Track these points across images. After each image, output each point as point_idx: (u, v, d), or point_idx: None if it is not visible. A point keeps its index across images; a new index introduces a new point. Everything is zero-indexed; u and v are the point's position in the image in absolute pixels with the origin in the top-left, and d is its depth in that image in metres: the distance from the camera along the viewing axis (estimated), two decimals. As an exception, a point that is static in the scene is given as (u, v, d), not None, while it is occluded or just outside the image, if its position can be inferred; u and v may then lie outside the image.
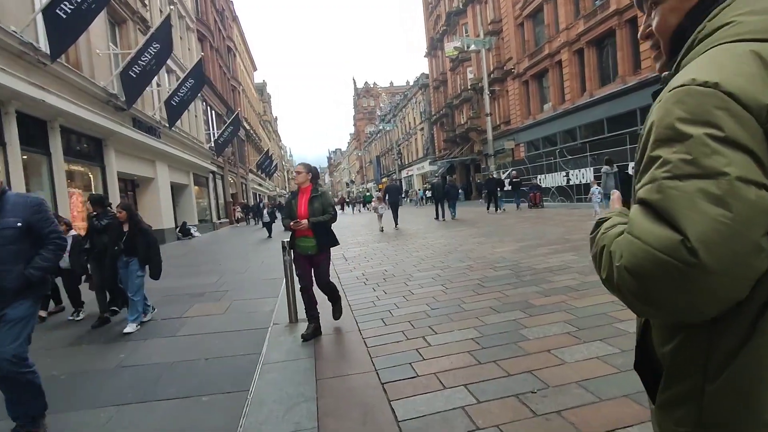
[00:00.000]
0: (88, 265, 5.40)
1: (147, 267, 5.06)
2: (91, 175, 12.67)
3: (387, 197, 16.27)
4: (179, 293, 6.86)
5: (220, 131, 26.64)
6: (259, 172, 48.60)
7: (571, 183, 19.17)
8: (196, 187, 23.88)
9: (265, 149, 53.64)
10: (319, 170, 5.09)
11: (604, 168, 12.75)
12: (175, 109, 16.60)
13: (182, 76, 17.72)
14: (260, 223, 25.78)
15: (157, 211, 17.04)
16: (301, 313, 4.89)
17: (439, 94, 44.99)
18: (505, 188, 21.61)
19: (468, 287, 5.43)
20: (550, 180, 20.84)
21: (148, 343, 4.38)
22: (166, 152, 17.33)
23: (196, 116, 24.38)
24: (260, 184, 51.87)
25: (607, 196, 11.85)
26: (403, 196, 34.07)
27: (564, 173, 19.62)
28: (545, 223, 11.97)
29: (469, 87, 36.59)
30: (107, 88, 12.57)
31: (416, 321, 4.29)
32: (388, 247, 10.11)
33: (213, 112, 29.69)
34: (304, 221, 4.02)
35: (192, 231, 19.77)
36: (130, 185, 16.50)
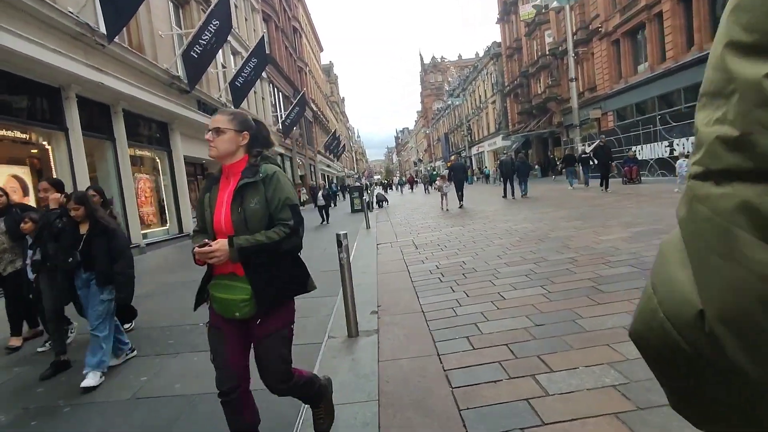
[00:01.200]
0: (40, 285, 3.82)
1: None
2: (158, 160, 12.61)
3: (452, 175, 15.72)
4: (233, 287, 6.19)
5: (286, 113, 26.46)
6: (327, 154, 48.76)
7: (676, 154, 16.48)
8: (265, 170, 23.89)
9: (333, 130, 53.68)
10: (268, 127, 2.54)
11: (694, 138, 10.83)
12: (239, 90, 16.28)
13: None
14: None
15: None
16: (364, 323, 3.93)
17: (513, 63, 41.89)
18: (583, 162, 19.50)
19: (579, 291, 4.11)
20: (647, 151, 18.19)
21: (177, 361, 3.61)
22: (232, 135, 17.15)
23: (263, 98, 24.28)
24: (328, 166, 52.16)
25: None
26: (470, 174, 32.44)
27: (666, 143, 16.94)
28: (653, 203, 10.04)
29: (547, 52, 33.47)
30: (170, 70, 12.32)
31: (517, 345, 3.10)
32: (464, 232, 8.87)
33: (280, 93, 29.62)
34: (219, 245, 1.80)
35: (261, 214, 19.69)
36: (199, 169, 16.55)
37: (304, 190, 26.55)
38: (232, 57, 19.28)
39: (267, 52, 26.38)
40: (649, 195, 11.78)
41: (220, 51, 17.79)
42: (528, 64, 37.38)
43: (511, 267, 5.43)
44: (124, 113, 10.33)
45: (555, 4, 20.16)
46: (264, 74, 24.43)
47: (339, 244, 3.66)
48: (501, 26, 44.37)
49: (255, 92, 22.58)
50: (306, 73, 41.04)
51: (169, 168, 12.88)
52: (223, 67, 17.70)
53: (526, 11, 35.32)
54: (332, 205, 28.74)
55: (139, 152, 11.67)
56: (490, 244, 7.18)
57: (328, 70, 72.72)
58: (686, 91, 19.62)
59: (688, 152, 14.37)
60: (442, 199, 14.92)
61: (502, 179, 17.44)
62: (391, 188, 49.57)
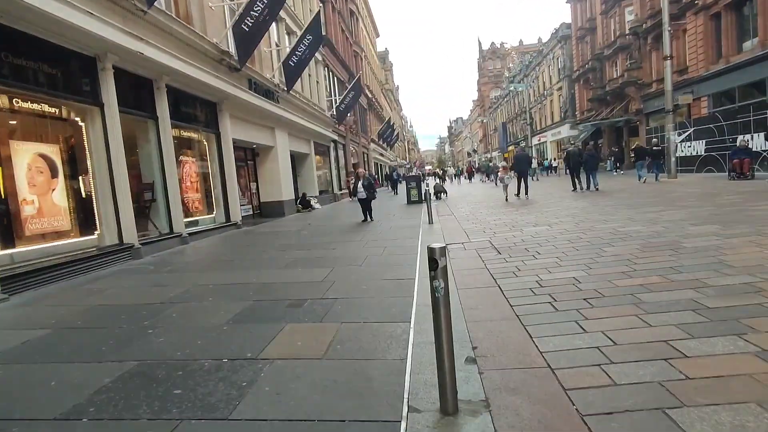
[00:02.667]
0: None
1: None
2: (205, 143, 11.75)
3: (515, 166, 15.67)
4: (275, 296, 4.96)
5: (341, 97, 25.36)
6: (381, 142, 47.56)
7: (802, 144, 13.72)
8: (317, 157, 22.98)
9: (387, 118, 52.34)
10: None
11: None
12: (293, 70, 15.23)
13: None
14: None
15: (277, 181, 16.13)
16: (460, 381, 2.49)
17: (584, 45, 38.50)
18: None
19: (824, 354, 2.47)
20: (760, 141, 15.38)
21: (177, 435, 2.33)
22: (285, 119, 16.19)
23: (317, 82, 23.26)
24: (381, 154, 51.00)
25: None
26: (533, 165, 29.70)
27: (789, 131, 14.16)
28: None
29: (627, 32, 30.17)
30: (220, 44, 11.37)
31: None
32: (554, 234, 7.21)
33: (335, 78, 28.56)
34: None
35: (312, 203, 18.77)
36: (249, 154, 15.72)
37: (352, 179, 24.95)
38: (286, 37, 18.28)
39: (323, 33, 25.38)
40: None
41: (274, 28, 16.83)
42: (603, 45, 34.08)
43: (657, 293, 3.79)
44: (167, 89, 9.43)
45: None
46: (319, 56, 23.39)
47: (433, 264, 2.23)
48: (572, 5, 40.87)
49: (309, 75, 21.59)
50: (362, 59, 39.81)
51: (217, 152, 12.01)
52: (277, 46, 16.71)
53: (604, -14, 32.08)
54: (394, 192, 27.39)
55: (184, 134, 10.82)
56: (601, 253, 5.51)
57: (383, 57, 71.18)
58: (811, 70, 16.48)
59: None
60: (505, 189, 15.19)
61: (569, 171, 16.80)
62: (444, 179, 47.38)
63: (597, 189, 15.11)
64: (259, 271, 6.33)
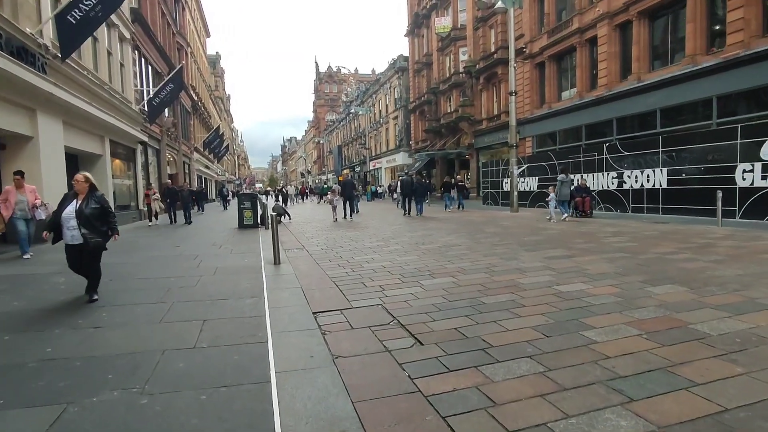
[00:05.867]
0: None
1: None
2: None
3: (343, 191, 17.20)
4: None
5: (156, 89, 20.18)
6: (207, 152, 41.60)
7: (626, 187, 14.79)
8: (117, 161, 17.42)
9: (215, 126, 46.45)
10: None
11: (560, 176, 13.68)
12: (74, 29, 10.43)
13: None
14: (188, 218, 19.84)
15: (39, 190, 10.75)
16: None
17: (421, 78, 40.06)
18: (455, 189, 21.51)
19: None
20: (592, 181, 16.40)
21: None
22: (58, 99, 11.06)
23: (122, 65, 17.84)
24: (207, 167, 44.75)
25: (561, 203, 13.43)
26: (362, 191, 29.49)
27: (614, 174, 15.20)
28: (697, 249, 7.19)
29: (461, 70, 31.90)
30: None
31: None
32: (469, 292, 4.91)
33: (150, 67, 22.99)
34: None
35: (101, 222, 13.50)
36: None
37: (156, 195, 17.70)
38: (72, -10, 13.03)
39: (135, 6, 20.04)
40: (656, 234, 9.12)
41: (49, -29, 11.68)
42: (439, 80, 35.65)
43: None
44: None
45: (500, 5, 17.72)
46: (127, 33, 18.11)
47: None
48: (410, 40, 42.51)
49: (110, 53, 16.26)
50: (187, 54, 34.10)
51: None
52: (51, -7, 11.55)
53: (442, 24, 33.70)
54: (223, 208, 22.11)
55: None
56: (593, 346, 3.32)
57: (214, 61, 64.49)
58: (620, 122, 18.59)
59: (554, 183, 14.13)
60: (333, 211, 16.82)
61: (402, 197, 18.64)
62: (286, 199, 43.47)
63: (421, 215, 17.08)
64: None
